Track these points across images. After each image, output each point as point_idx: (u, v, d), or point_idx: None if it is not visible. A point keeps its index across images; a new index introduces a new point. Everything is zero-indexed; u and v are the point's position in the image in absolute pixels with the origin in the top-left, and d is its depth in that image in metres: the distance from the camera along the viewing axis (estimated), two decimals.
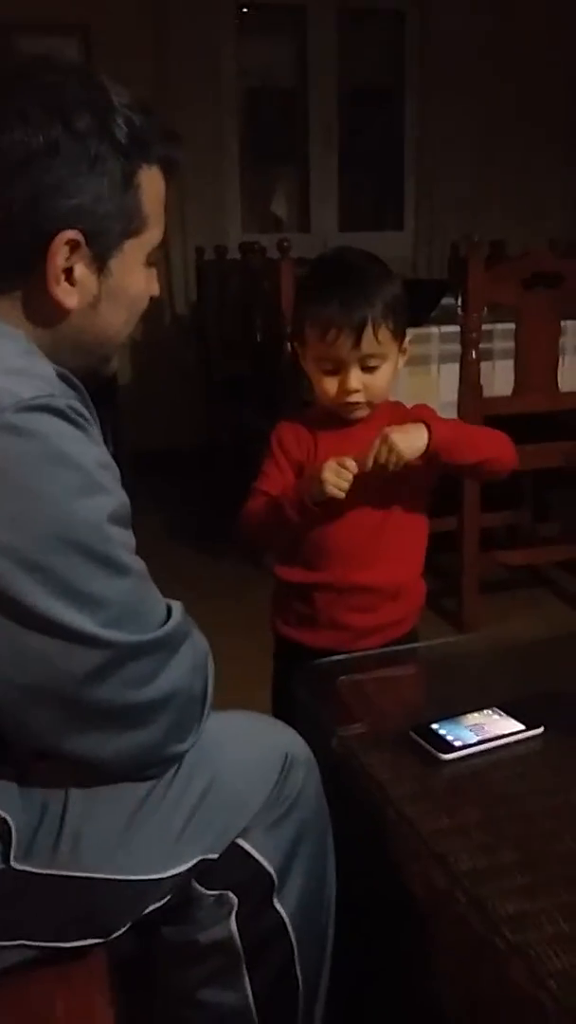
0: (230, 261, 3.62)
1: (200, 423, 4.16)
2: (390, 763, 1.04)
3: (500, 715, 1.10)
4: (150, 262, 0.91)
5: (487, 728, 1.07)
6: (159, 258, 0.93)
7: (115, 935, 0.90)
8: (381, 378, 1.32)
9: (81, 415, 0.78)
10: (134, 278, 0.89)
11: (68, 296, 0.84)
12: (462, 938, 0.84)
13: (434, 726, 1.07)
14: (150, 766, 0.89)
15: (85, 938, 0.88)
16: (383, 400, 1.37)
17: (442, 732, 1.06)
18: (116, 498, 0.80)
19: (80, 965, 0.91)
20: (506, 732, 1.07)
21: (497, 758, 1.04)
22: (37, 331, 0.85)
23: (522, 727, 1.07)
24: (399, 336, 1.33)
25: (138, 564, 0.83)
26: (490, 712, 1.10)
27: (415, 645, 1.35)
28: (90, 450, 0.78)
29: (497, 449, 1.38)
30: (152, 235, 0.89)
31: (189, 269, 4.24)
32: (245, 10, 4.44)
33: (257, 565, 2.34)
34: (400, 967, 1.01)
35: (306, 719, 1.20)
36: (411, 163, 4.72)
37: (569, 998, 0.73)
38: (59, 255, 0.81)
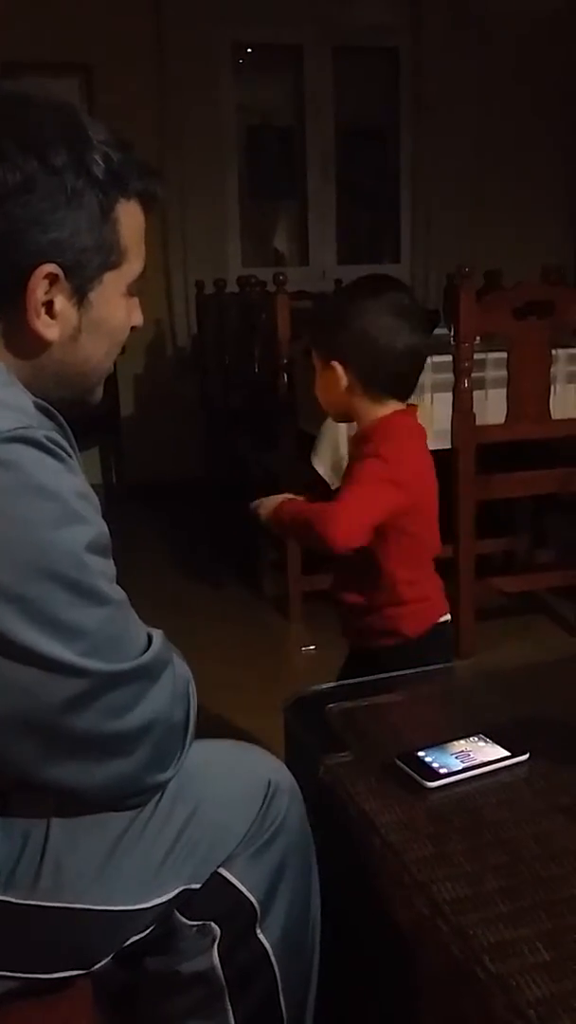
0: (229, 294, 3.66)
1: (200, 454, 4.19)
2: (375, 791, 1.03)
3: (486, 742, 1.10)
4: (131, 292, 0.93)
5: (472, 755, 1.07)
6: (141, 288, 0.95)
7: (97, 966, 0.89)
8: (318, 389, 1.50)
9: (59, 445, 0.79)
10: (114, 309, 0.90)
11: (48, 329, 0.85)
12: (444, 967, 0.83)
13: (420, 754, 1.07)
14: (131, 796, 0.89)
15: (67, 969, 0.88)
16: (329, 409, 1.52)
17: (428, 759, 1.06)
18: (95, 528, 0.81)
19: (63, 997, 0.90)
20: (491, 759, 1.06)
21: (482, 785, 1.03)
22: (18, 363, 0.86)
23: (508, 753, 1.07)
24: (320, 355, 1.46)
25: (118, 593, 0.84)
26: (476, 739, 1.10)
27: (405, 672, 1.35)
28: (68, 480, 0.79)
29: (311, 541, 1.42)
30: (132, 267, 0.90)
31: (190, 303, 4.29)
32: (245, 50, 4.54)
33: None
34: (385, 995, 1.00)
35: (294, 748, 1.20)
36: (407, 196, 4.79)
37: None
38: (38, 288, 0.83)
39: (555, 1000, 0.74)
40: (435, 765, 1.05)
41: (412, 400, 1.48)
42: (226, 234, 4.54)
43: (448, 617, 1.53)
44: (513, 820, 0.98)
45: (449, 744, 1.09)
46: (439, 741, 1.09)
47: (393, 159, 4.81)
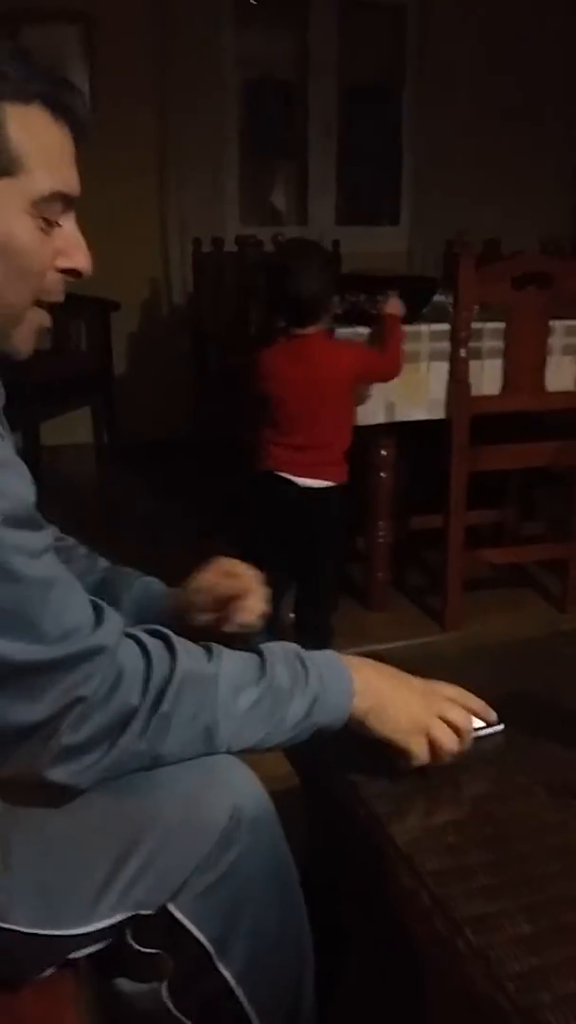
0: (226, 253, 3.61)
1: (193, 414, 4.16)
2: (361, 764, 1.04)
3: None
4: (49, 221, 0.81)
5: None
6: (72, 224, 0.84)
7: (38, 976, 0.88)
8: None
9: None
10: (11, 225, 0.79)
11: None
12: (428, 940, 0.84)
13: None
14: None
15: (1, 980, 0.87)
16: None
17: None
18: (10, 499, 0.74)
19: (51, 994, 0.90)
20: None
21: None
22: None
23: (483, 724, 1.08)
24: None
25: (37, 570, 0.76)
26: None
27: (392, 645, 1.36)
28: None
29: None
30: (35, 182, 0.79)
31: (186, 261, 4.23)
32: (249, 1, 4.42)
33: None
34: (383, 965, 1.01)
35: None
36: (409, 158, 4.71)
37: (527, 1000, 0.74)
38: None
39: (534, 973, 0.76)
40: None
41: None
42: (224, 191, 4.46)
43: (277, 472, 2.17)
44: (496, 794, 0.99)
45: None
46: None
47: (396, 119, 4.71)
